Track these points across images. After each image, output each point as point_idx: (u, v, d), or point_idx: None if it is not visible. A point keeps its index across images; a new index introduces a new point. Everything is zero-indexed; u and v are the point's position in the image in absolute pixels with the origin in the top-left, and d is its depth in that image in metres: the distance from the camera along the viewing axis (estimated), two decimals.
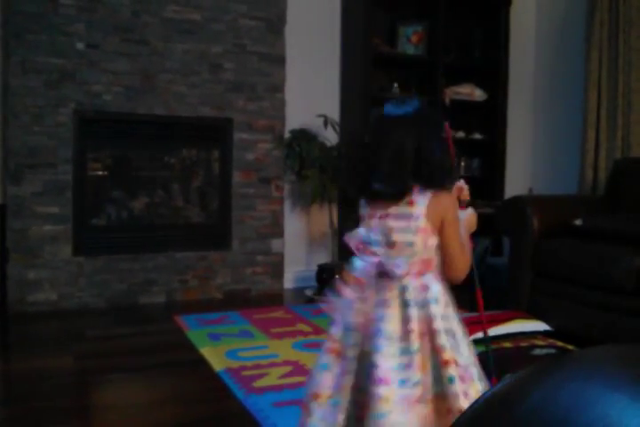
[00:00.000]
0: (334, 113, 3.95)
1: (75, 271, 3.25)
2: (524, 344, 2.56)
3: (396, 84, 4.03)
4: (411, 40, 4.06)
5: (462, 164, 4.26)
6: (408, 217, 1.29)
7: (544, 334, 2.72)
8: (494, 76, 4.26)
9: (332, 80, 4.01)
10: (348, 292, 1.38)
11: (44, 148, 3.17)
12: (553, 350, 2.37)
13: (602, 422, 0.57)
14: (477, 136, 4.27)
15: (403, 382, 1.22)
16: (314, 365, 1.39)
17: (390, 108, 1.32)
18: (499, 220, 3.21)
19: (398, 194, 1.29)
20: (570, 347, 2.63)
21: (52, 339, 2.76)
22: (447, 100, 4.06)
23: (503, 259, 3.94)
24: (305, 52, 3.87)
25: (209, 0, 3.48)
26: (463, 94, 4.19)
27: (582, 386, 0.68)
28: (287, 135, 3.73)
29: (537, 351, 2.31)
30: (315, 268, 3.72)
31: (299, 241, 3.93)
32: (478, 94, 4.24)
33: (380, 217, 1.30)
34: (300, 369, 2.29)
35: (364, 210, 1.36)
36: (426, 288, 1.29)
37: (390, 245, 1.29)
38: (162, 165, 3.65)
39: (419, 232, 1.28)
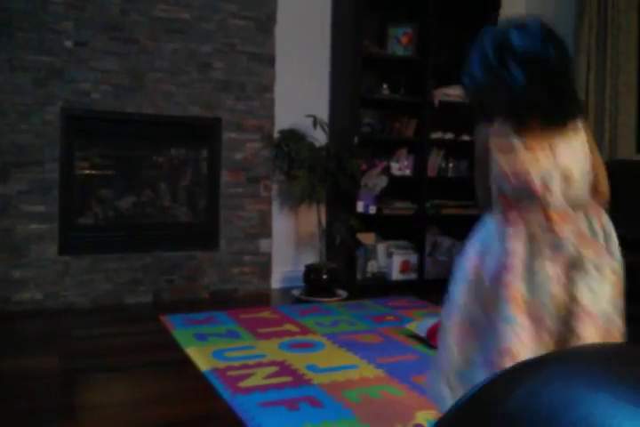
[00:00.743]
0: (323, 113, 3.95)
1: (60, 271, 3.22)
2: None
3: (385, 85, 4.04)
4: (400, 41, 4.07)
5: (451, 165, 4.28)
6: (578, 146, 1.32)
7: None
8: None
9: (322, 80, 4.01)
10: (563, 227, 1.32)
11: (31, 146, 3.14)
12: None
13: (585, 421, 0.58)
14: (466, 138, 4.29)
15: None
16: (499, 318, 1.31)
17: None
18: None
19: (570, 121, 1.32)
20: None
21: (38, 339, 2.73)
22: (436, 102, 4.07)
23: None
24: (295, 53, 3.86)
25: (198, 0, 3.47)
26: (452, 96, 4.20)
27: (566, 385, 0.68)
28: (276, 135, 3.73)
29: None
30: (302, 268, 3.72)
31: (286, 241, 3.93)
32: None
33: (549, 147, 1.30)
34: (286, 369, 2.28)
35: (511, 141, 1.32)
36: (600, 215, 1.38)
37: (568, 176, 1.31)
38: (150, 164, 3.63)
39: (588, 159, 1.34)
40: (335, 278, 3.66)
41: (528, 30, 1.31)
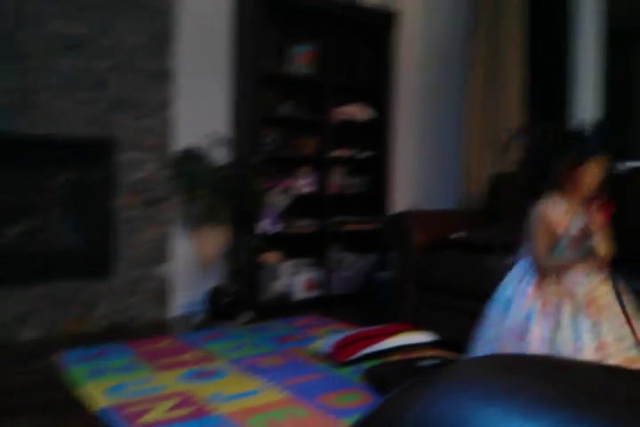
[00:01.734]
0: (225, 131, 3.89)
1: None
2: (411, 356, 2.60)
3: (286, 103, 4.04)
4: (300, 60, 4.10)
5: (352, 182, 4.33)
6: None
7: (431, 344, 2.78)
8: (382, 96, 4.40)
9: (222, 98, 3.95)
10: None
11: None
12: (438, 361, 2.42)
13: None
14: (366, 154, 4.37)
15: None
16: None
17: None
18: (384, 235, 3.28)
19: None
20: (456, 356, 2.70)
21: None
22: (337, 120, 4.13)
23: (389, 273, 4.03)
24: (194, 70, 3.78)
25: (94, 14, 3.32)
26: (352, 114, 4.28)
27: (458, 400, 0.66)
28: (176, 155, 3.62)
29: (423, 363, 2.34)
30: (205, 292, 3.60)
31: (188, 265, 3.80)
32: (367, 114, 4.35)
33: None
34: (189, 400, 2.17)
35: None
36: None
37: None
38: (41, 187, 3.39)
39: None
40: (239, 301, 3.57)
41: None
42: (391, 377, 2.13)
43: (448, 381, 0.76)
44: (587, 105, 3.57)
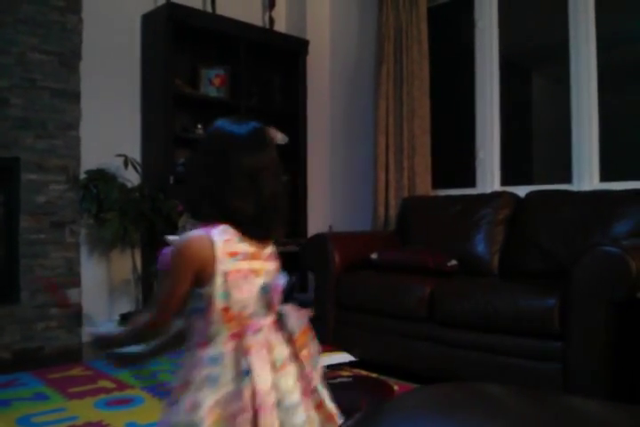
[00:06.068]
0: (135, 153, 3.81)
1: None
2: (329, 377, 2.64)
3: (199, 125, 4.03)
4: (213, 83, 4.11)
5: None
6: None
7: (349, 364, 2.83)
8: (294, 120, 4.47)
9: (133, 119, 3.88)
10: None
11: None
12: (349, 379, 2.49)
13: None
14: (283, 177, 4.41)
15: None
16: None
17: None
18: (303, 257, 3.32)
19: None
20: (374, 375, 2.76)
21: None
22: None
23: (309, 294, 4.06)
24: (103, 90, 3.70)
25: None
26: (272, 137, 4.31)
27: None
28: (83, 176, 3.50)
29: (334, 380, 2.38)
30: (117, 318, 3.48)
31: (98, 290, 3.66)
32: (280, 138, 4.40)
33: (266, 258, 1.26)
34: None
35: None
36: None
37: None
38: None
39: None
40: None
41: None
42: None
43: (388, 420, 0.79)
44: (490, 132, 3.81)
